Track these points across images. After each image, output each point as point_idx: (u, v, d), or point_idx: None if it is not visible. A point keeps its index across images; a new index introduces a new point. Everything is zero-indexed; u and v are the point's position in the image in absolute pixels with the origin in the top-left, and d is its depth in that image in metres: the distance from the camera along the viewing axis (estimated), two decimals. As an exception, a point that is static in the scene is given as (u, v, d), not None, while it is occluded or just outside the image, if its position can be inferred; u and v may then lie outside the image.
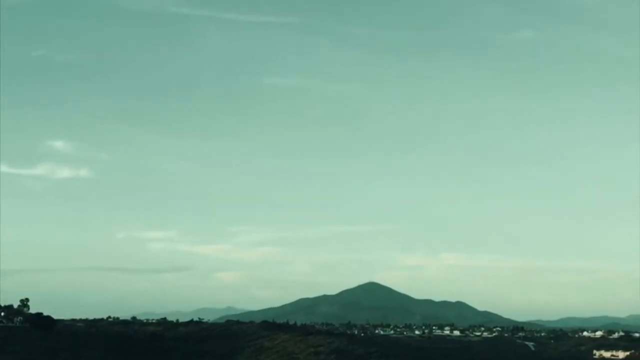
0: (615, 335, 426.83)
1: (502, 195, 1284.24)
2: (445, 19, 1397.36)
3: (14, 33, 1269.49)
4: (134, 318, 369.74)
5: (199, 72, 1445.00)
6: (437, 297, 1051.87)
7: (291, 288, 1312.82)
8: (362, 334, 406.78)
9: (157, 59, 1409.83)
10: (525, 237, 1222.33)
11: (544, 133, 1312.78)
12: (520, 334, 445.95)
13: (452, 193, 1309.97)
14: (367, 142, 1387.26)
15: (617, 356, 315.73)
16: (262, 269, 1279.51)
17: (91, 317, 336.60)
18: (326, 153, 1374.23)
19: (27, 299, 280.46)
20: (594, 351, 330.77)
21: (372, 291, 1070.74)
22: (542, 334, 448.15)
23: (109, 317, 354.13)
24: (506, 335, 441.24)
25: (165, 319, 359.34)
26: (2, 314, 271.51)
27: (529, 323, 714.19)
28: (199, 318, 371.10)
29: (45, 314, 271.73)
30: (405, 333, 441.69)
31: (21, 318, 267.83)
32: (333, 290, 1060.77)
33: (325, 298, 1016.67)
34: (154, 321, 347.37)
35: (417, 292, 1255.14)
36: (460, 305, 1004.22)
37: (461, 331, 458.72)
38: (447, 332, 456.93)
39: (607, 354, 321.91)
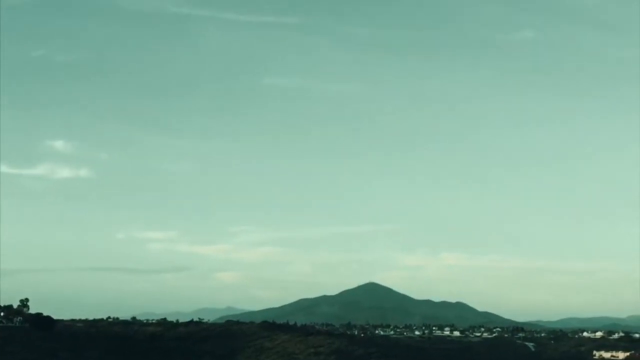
0: (615, 335, 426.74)
1: (502, 196, 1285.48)
2: (445, 19, 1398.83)
3: (14, 33, 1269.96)
4: (134, 318, 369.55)
5: (199, 72, 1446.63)
6: (437, 298, 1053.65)
7: (291, 288, 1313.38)
8: (362, 335, 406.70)
9: (157, 59, 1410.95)
10: (526, 238, 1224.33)
11: (544, 133, 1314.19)
12: (520, 334, 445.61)
13: (452, 193, 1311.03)
14: (367, 142, 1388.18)
15: (617, 357, 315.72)
16: (262, 269, 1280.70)
17: (91, 318, 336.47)
18: (326, 153, 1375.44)
19: (26, 299, 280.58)
20: (594, 352, 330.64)
21: (372, 291, 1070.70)
22: (542, 335, 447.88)
23: (109, 317, 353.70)
24: (506, 335, 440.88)
25: (165, 319, 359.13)
26: (2, 314, 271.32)
27: (529, 323, 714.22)
28: (199, 318, 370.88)
29: (45, 314, 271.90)
30: (405, 333, 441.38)
31: (21, 318, 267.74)
32: (333, 291, 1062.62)
33: (325, 298, 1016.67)
34: (154, 321, 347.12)
35: (417, 292, 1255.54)
36: (460, 306, 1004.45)
37: (461, 332, 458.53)
38: (447, 332, 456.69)
39: (607, 355, 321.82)
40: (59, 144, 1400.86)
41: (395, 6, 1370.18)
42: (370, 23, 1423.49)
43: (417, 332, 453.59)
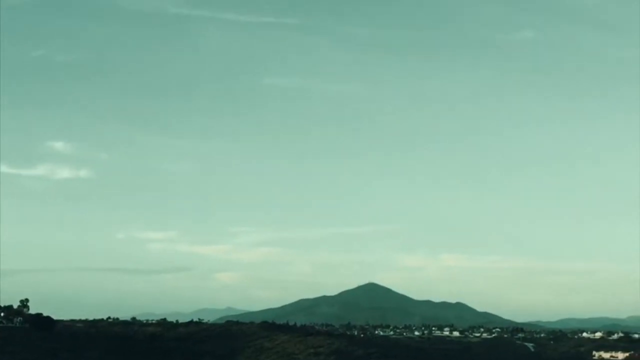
0: (615, 336, 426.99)
1: (502, 196, 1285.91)
2: (445, 19, 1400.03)
3: (14, 33, 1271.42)
4: (133, 318, 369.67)
5: (199, 73, 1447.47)
6: (436, 298, 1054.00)
7: (291, 289, 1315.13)
8: (362, 335, 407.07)
9: (157, 59, 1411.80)
10: (525, 238, 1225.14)
11: (544, 133, 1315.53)
12: (520, 335, 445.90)
13: (452, 193, 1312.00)
14: (367, 142, 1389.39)
15: (617, 357, 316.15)
16: (262, 270, 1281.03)
17: (91, 318, 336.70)
18: (326, 153, 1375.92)
19: (26, 300, 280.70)
20: (594, 352, 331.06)
21: (372, 292, 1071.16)
22: (542, 335, 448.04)
23: (109, 317, 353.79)
24: (506, 336, 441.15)
25: (165, 319, 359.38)
26: (2, 314, 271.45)
27: (528, 324, 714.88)
28: (199, 318, 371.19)
29: (45, 314, 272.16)
30: (404, 334, 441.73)
31: (21, 318, 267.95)
32: (333, 291, 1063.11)
33: (325, 299, 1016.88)
34: (153, 322, 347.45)
35: (417, 293, 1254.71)
36: (459, 306, 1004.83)
37: (461, 332, 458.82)
38: (446, 333, 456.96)
39: (606, 355, 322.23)
40: (59, 144, 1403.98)
41: (395, 6, 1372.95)
42: (370, 23, 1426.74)
43: (416, 333, 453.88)
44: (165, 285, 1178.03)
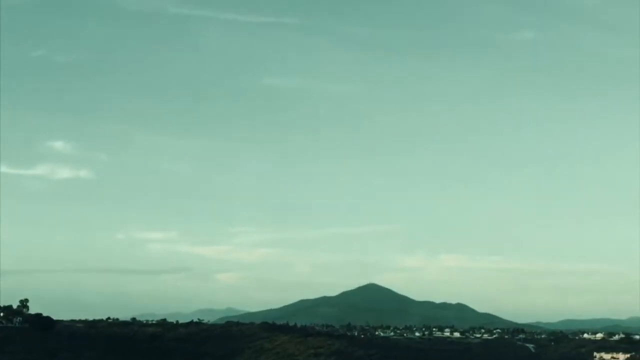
0: (616, 337, 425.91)
1: (502, 196, 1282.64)
2: (445, 19, 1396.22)
3: (14, 33, 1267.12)
4: (133, 319, 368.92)
5: (199, 73, 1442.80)
6: (437, 299, 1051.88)
7: (291, 289, 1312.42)
8: (362, 336, 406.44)
9: (157, 59, 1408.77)
10: (526, 239, 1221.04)
11: (544, 134, 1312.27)
12: (521, 335, 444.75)
13: (452, 194, 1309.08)
14: (367, 143, 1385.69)
15: (618, 358, 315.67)
16: (262, 270, 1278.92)
17: (91, 318, 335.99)
18: (326, 153, 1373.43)
19: (26, 300, 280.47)
20: (595, 353, 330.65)
21: (372, 293, 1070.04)
22: (543, 336, 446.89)
23: (109, 318, 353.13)
24: (506, 337, 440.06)
25: (165, 320, 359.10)
26: (2, 314, 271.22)
27: (529, 325, 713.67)
28: (199, 319, 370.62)
29: (44, 314, 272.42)
30: (405, 335, 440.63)
31: (21, 319, 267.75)
32: (333, 292, 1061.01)
33: (325, 299, 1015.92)
34: (153, 322, 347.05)
35: (417, 293, 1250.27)
36: (460, 307, 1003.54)
37: (461, 333, 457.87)
38: (447, 333, 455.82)
39: (607, 356, 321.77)
40: (58, 144, 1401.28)
41: (395, 6, 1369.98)
42: (370, 23, 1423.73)
43: (417, 334, 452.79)
44: (165, 285, 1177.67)
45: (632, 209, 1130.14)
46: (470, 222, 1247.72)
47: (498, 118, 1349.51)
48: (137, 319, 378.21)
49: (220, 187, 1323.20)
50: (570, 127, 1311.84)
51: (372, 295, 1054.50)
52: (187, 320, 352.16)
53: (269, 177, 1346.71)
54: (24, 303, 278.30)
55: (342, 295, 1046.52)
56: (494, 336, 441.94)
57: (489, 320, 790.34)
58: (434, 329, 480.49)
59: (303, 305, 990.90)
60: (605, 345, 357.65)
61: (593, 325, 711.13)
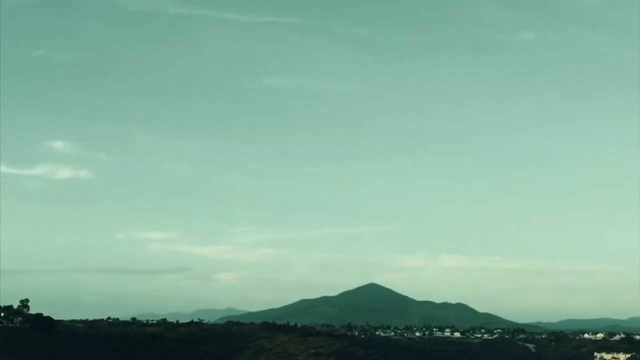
0: (616, 337, 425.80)
1: (503, 196, 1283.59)
2: (445, 19, 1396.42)
3: (14, 33, 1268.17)
4: (134, 319, 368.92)
5: (198, 72, 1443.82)
6: (437, 299, 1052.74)
7: (291, 289, 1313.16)
8: (363, 336, 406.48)
9: (157, 59, 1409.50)
10: (526, 239, 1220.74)
11: (544, 134, 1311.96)
12: (521, 335, 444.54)
13: (452, 194, 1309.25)
14: (367, 143, 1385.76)
15: (618, 358, 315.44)
16: (262, 270, 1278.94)
17: (91, 318, 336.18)
18: (326, 153, 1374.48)
19: (27, 300, 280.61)
20: (595, 353, 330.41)
21: (373, 292, 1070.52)
22: (543, 336, 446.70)
23: (109, 318, 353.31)
24: (507, 337, 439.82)
25: (165, 320, 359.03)
26: (2, 314, 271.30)
27: (529, 325, 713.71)
28: (199, 319, 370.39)
29: (45, 314, 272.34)
30: (405, 335, 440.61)
31: (21, 319, 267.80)
32: (333, 292, 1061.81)
33: (325, 299, 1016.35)
34: (154, 322, 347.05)
35: (417, 293, 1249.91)
36: (460, 307, 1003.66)
37: (461, 333, 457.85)
38: (447, 333, 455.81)
39: (608, 356, 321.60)
40: (59, 145, 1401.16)
41: (395, 6, 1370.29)
42: (370, 23, 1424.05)
43: (417, 334, 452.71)
44: (166, 285, 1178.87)
45: (632, 209, 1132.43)
46: (470, 222, 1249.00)
47: (498, 118, 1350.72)
48: (137, 319, 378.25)
49: (220, 187, 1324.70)
50: (570, 127, 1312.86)
51: (373, 295, 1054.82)
52: (187, 320, 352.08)
53: (269, 177, 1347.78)
54: (24, 303, 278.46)
55: (343, 295, 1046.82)
56: (495, 336, 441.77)
57: (490, 320, 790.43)
58: (434, 329, 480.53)
59: (303, 305, 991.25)
60: (606, 345, 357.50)
61: (593, 325, 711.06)
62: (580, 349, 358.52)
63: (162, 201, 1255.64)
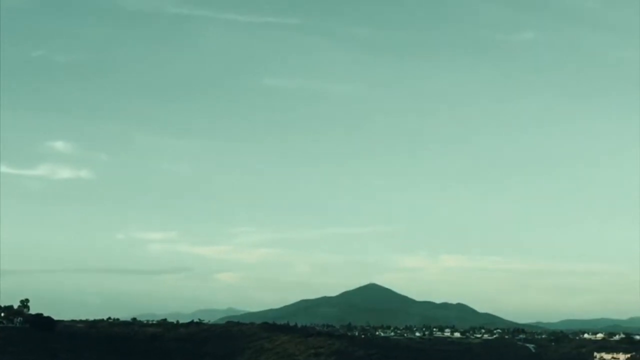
0: (616, 337, 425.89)
1: (503, 197, 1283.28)
2: (445, 19, 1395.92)
3: (14, 34, 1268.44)
4: (134, 319, 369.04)
5: (199, 73, 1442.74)
6: (437, 299, 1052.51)
7: (291, 289, 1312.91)
8: (363, 336, 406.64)
9: (157, 59, 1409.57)
10: (526, 239, 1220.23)
11: (544, 134, 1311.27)
12: (521, 336, 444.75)
13: (452, 194, 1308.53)
14: (367, 143, 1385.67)
15: (618, 358, 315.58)
16: (262, 270, 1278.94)
17: (91, 318, 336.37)
18: (326, 153, 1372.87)
19: (27, 300, 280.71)
20: (595, 353, 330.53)
21: (373, 293, 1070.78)
22: (543, 336, 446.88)
23: (109, 318, 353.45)
24: (507, 337, 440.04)
25: (165, 320, 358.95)
26: (2, 314, 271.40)
27: (529, 325, 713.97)
28: (199, 319, 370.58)
29: (45, 314, 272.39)
30: (405, 335, 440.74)
31: (21, 319, 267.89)
32: (333, 292, 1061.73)
33: (325, 299, 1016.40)
34: (154, 322, 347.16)
35: (418, 293, 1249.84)
36: (460, 307, 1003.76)
37: (462, 333, 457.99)
38: (447, 334, 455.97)
39: (607, 356, 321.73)
40: (59, 145, 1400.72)
41: (395, 6, 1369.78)
42: (371, 23, 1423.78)
43: (417, 334, 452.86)
44: (166, 285, 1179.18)
45: (632, 209, 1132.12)
46: (471, 222, 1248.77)
47: (498, 118, 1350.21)
48: (138, 319, 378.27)
49: (220, 187, 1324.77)
50: (570, 127, 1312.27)
51: (373, 296, 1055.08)
52: (188, 320, 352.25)
53: (269, 177, 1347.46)
54: (24, 303, 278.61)
55: (343, 295, 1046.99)
56: (495, 336, 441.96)
57: (490, 321, 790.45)
58: (434, 329, 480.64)
59: (303, 305, 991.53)
60: (606, 346, 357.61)
61: (593, 326, 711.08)
62: (580, 349, 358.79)
63: (162, 201, 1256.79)
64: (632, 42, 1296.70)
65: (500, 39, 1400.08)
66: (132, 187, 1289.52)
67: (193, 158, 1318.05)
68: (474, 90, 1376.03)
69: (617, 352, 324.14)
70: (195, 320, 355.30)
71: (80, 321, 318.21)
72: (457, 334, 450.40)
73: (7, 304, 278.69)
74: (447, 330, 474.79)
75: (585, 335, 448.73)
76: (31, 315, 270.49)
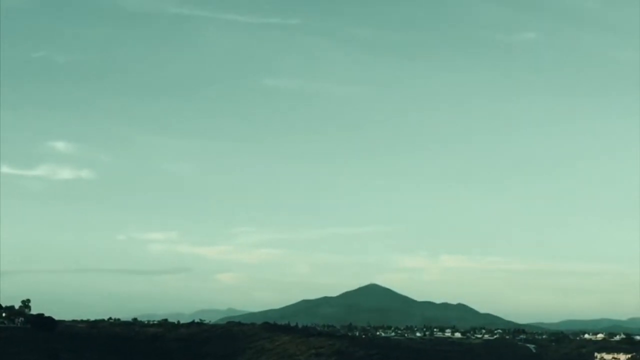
0: (617, 337, 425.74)
1: (503, 197, 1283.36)
2: (446, 19, 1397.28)
3: (15, 34, 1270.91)
4: (135, 319, 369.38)
5: (199, 73, 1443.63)
6: (438, 299, 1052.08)
7: (292, 290, 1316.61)
8: (363, 336, 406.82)
9: (157, 59, 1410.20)
10: (527, 239, 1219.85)
11: (545, 135, 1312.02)
12: (522, 336, 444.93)
13: (452, 194, 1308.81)
14: (367, 143, 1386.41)
15: (619, 359, 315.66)
16: (263, 271, 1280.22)
17: (92, 319, 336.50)
18: (326, 153, 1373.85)
19: (28, 300, 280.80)
20: (595, 354, 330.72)
21: (373, 293, 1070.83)
22: (544, 337, 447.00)
23: (110, 318, 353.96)
24: (507, 337, 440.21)
25: (166, 320, 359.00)
26: (4, 314, 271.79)
27: (530, 325, 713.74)
28: (200, 319, 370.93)
29: (46, 315, 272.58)
30: (406, 335, 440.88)
31: (22, 319, 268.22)
32: (334, 292, 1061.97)
33: (326, 300, 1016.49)
34: (155, 322, 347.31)
35: (418, 294, 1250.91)
36: (461, 308, 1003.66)
37: (462, 333, 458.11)
38: (448, 334, 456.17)
39: (608, 357, 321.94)
40: (60, 145, 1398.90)
41: (396, 7, 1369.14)
42: (371, 24, 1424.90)
43: (418, 334, 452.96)
44: (166, 286, 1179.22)
45: (632, 209, 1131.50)
46: (471, 222, 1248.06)
47: (498, 118, 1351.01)
48: (139, 319, 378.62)
49: (220, 187, 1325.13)
50: (570, 127, 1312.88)
51: (373, 296, 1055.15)
52: (188, 320, 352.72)
53: (269, 177, 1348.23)
54: (25, 303, 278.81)
55: (343, 296, 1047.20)
56: (495, 336, 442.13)
57: (490, 321, 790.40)
58: (435, 330, 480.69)
59: (304, 306, 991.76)
60: (606, 346, 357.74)
61: (594, 326, 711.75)
62: (580, 349, 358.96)
63: (162, 201, 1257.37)
64: (632, 42, 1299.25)
65: (500, 39, 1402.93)
66: (132, 187, 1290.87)
67: (193, 158, 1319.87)
68: (474, 90, 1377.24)
69: (618, 352, 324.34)
70: (196, 320, 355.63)
71: (82, 321, 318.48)
72: (457, 334, 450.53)
73: (9, 304, 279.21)
74: (447, 330, 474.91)
75: (586, 336, 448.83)
76: (32, 315, 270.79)
